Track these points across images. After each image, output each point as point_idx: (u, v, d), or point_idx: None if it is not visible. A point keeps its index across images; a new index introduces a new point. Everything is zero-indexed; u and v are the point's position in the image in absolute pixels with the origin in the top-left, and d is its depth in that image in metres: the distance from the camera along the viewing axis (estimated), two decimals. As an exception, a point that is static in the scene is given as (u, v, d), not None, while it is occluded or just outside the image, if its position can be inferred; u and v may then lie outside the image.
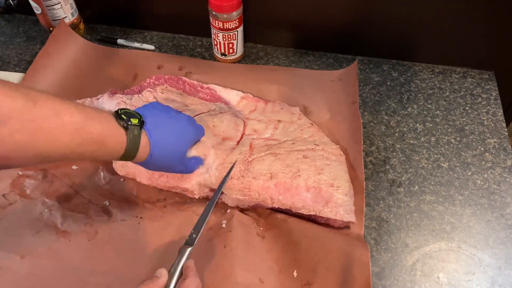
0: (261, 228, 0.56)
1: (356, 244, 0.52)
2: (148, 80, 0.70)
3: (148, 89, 0.68)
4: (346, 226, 0.56)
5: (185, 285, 0.43)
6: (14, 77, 0.74)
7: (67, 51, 0.75)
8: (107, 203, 0.59)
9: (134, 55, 0.78)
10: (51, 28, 0.78)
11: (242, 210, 0.58)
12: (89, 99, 0.66)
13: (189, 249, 0.48)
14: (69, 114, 0.40)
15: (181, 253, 0.47)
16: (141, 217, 0.58)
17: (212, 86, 0.69)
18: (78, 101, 0.66)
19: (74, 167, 0.62)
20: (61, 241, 0.55)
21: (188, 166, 0.55)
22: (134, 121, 0.46)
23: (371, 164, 0.64)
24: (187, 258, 0.47)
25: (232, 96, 0.68)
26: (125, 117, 0.45)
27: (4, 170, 0.60)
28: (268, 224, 0.56)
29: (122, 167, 0.59)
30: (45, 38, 0.80)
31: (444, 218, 0.58)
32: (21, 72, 0.76)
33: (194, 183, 0.56)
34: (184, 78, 0.70)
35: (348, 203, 0.55)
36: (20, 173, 0.61)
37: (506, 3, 0.66)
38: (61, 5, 0.75)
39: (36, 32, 0.83)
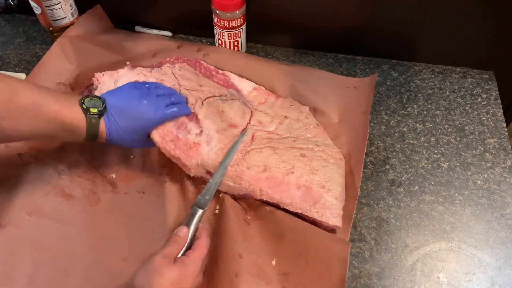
0: (248, 217, 0.57)
1: (338, 240, 0.53)
2: (168, 58, 0.73)
3: (168, 65, 0.70)
4: (332, 230, 0.55)
5: (200, 244, 0.49)
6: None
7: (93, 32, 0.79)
8: (114, 176, 0.62)
9: (154, 37, 0.80)
10: (51, 28, 0.78)
11: (234, 198, 0.59)
12: (109, 72, 0.69)
13: (201, 211, 0.52)
14: (46, 105, 0.49)
15: (194, 213, 0.52)
16: (143, 192, 0.60)
17: (227, 73, 0.70)
18: (98, 73, 0.68)
19: None
20: (65, 203, 0.58)
21: (150, 144, 0.59)
22: (93, 110, 0.53)
23: (371, 164, 0.64)
24: (199, 220, 0.52)
25: (244, 85, 0.69)
26: (85, 107, 0.52)
27: None
28: (256, 215, 0.57)
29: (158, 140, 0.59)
30: (45, 38, 0.80)
31: (444, 218, 0.58)
32: (21, 72, 0.76)
33: (194, 162, 0.57)
34: (201, 61, 0.72)
35: (336, 206, 0.54)
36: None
37: (506, 3, 0.66)
38: (61, 5, 0.75)
39: (36, 32, 0.83)
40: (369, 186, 0.61)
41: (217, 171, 0.56)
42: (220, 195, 0.58)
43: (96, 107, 0.53)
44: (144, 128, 0.56)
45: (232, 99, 0.66)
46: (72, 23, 0.79)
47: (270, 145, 0.59)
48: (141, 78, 0.64)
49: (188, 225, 0.51)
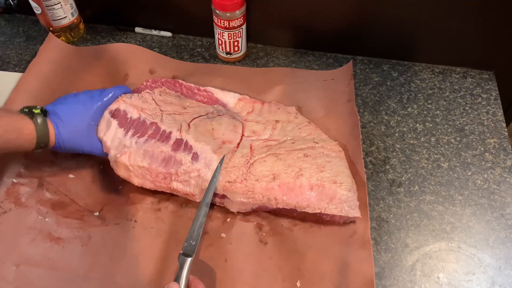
0: (263, 234, 0.56)
1: (362, 259, 0.53)
2: (145, 83, 0.70)
3: (147, 91, 0.68)
4: (351, 221, 0.56)
5: None
6: (14, 77, 0.74)
7: (58, 59, 0.74)
8: (97, 214, 0.58)
9: (124, 51, 0.76)
10: (51, 28, 0.78)
11: (244, 215, 0.58)
12: None
13: (190, 259, 0.49)
14: None
15: (182, 264, 0.48)
16: (135, 221, 0.57)
17: (209, 88, 0.69)
18: None
19: (70, 175, 0.61)
20: (55, 248, 0.54)
21: (96, 146, 0.59)
22: (36, 111, 0.55)
23: (371, 164, 0.64)
24: (189, 269, 0.48)
25: (229, 98, 0.68)
26: (27, 110, 0.55)
27: None
28: (272, 230, 0.56)
29: (125, 170, 0.58)
30: (45, 38, 0.80)
31: (444, 218, 0.58)
32: (21, 72, 0.75)
33: (197, 189, 0.56)
34: (180, 81, 0.70)
35: (352, 198, 0.55)
36: (15, 181, 0.60)
37: (506, 3, 0.66)
38: (61, 5, 0.75)
39: (36, 32, 0.83)
40: (369, 186, 0.61)
41: (199, 211, 0.53)
42: (228, 219, 0.57)
43: (37, 109, 0.55)
44: (88, 119, 0.58)
45: (219, 115, 0.65)
46: (72, 23, 0.79)
47: (271, 152, 0.59)
48: (122, 106, 0.62)
49: (177, 279, 0.47)
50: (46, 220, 0.57)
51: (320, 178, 0.56)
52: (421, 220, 0.58)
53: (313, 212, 0.54)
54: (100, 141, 0.59)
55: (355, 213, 0.54)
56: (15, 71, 0.76)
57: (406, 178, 0.62)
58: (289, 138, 0.62)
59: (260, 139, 0.62)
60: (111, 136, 0.59)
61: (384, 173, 0.63)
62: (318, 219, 0.57)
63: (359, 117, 0.64)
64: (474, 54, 0.75)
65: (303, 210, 0.55)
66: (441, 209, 0.59)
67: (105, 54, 0.76)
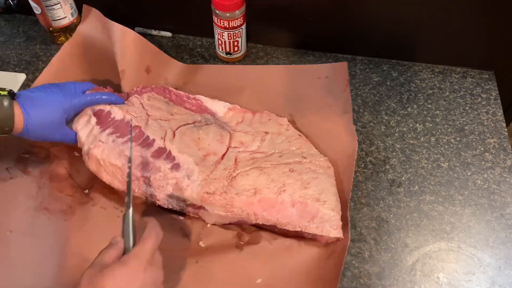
0: (242, 243, 0.55)
1: (330, 279, 0.50)
2: (135, 88, 0.67)
3: (135, 95, 0.66)
4: (333, 241, 0.54)
5: (145, 237, 0.43)
6: (13, 77, 0.74)
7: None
8: (87, 191, 0.60)
9: (128, 41, 0.71)
10: (51, 28, 0.78)
11: (224, 225, 0.57)
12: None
13: (131, 210, 0.45)
14: None
15: (126, 218, 0.45)
16: (121, 211, 0.58)
17: (198, 96, 0.67)
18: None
19: (76, 153, 0.63)
20: (41, 218, 0.57)
21: (68, 134, 0.58)
22: (3, 92, 0.51)
23: (371, 164, 0.64)
24: (133, 222, 0.45)
25: (219, 107, 0.67)
26: None
27: (13, 145, 0.63)
28: (251, 239, 0.55)
29: (95, 164, 0.57)
30: (45, 38, 0.81)
31: (444, 218, 0.58)
32: (21, 72, 0.76)
33: (166, 197, 0.55)
34: (170, 88, 0.69)
35: (334, 218, 0.53)
36: (22, 155, 0.63)
37: (506, 3, 0.66)
38: (60, 5, 0.75)
39: (36, 32, 0.83)
40: (369, 186, 0.61)
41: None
42: (208, 225, 0.56)
43: (4, 90, 0.52)
44: (59, 110, 0.56)
45: (207, 124, 0.63)
46: (72, 23, 0.79)
47: (256, 166, 0.57)
48: (107, 107, 0.61)
49: (123, 230, 0.44)
50: (42, 190, 0.60)
51: (303, 195, 0.54)
52: (421, 220, 0.58)
53: (293, 229, 0.53)
54: (76, 133, 0.59)
55: (336, 233, 0.52)
56: (15, 71, 0.76)
57: (406, 178, 0.62)
58: (276, 151, 0.60)
59: (247, 150, 0.60)
60: (87, 132, 0.59)
61: (384, 173, 0.63)
62: (300, 237, 0.55)
63: (356, 136, 0.61)
64: (474, 54, 0.75)
65: (283, 228, 0.53)
66: (441, 209, 0.59)
67: (112, 37, 0.71)
